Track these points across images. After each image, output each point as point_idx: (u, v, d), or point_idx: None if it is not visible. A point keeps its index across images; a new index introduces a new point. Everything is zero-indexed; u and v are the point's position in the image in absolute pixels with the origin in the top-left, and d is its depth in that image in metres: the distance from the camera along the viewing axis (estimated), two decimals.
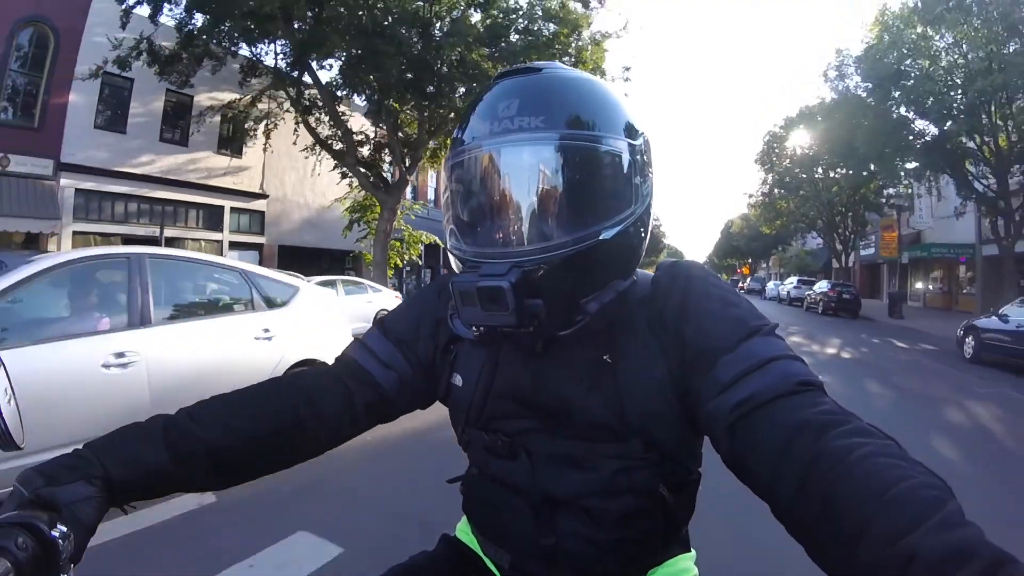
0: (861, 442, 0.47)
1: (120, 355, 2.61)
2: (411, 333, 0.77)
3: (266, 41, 11.70)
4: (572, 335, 0.63)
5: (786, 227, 31.43)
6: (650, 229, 0.70)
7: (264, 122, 13.16)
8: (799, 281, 24.95)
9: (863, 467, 0.44)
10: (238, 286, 3.35)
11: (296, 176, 15.56)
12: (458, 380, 0.74)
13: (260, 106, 13.03)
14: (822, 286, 19.94)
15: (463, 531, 0.84)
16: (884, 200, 20.89)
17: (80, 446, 0.58)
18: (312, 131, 12.45)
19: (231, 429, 0.65)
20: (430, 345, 0.76)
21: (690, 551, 0.77)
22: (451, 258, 0.69)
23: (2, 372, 0.65)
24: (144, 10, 10.67)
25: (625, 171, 0.63)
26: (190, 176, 13.29)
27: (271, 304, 3.39)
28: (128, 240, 12.29)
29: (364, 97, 12.03)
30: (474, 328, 0.64)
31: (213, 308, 3.24)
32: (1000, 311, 8.63)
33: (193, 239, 13.31)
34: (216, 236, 13.88)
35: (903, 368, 8.35)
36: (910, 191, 20.30)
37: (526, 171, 0.61)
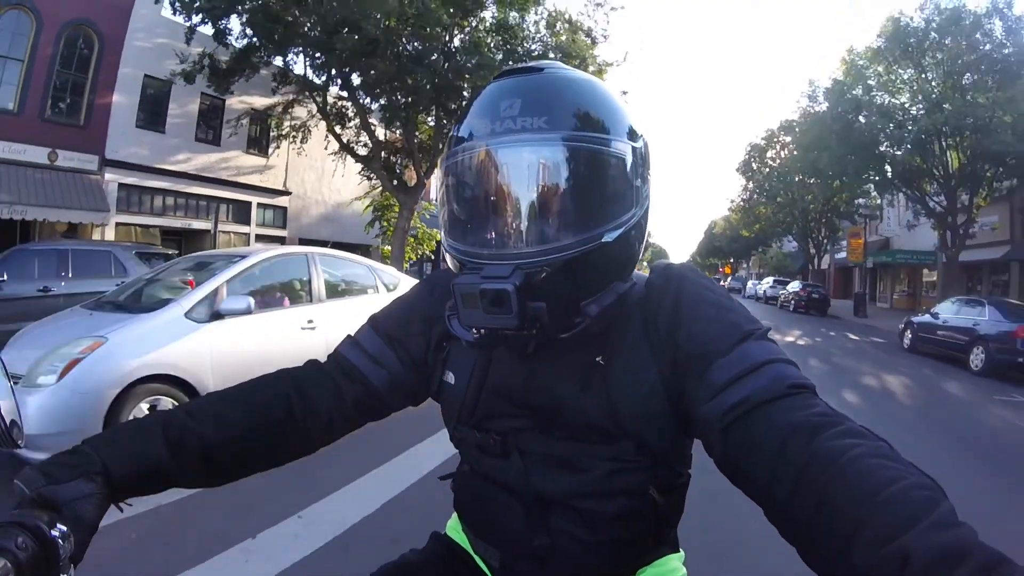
0: (853, 443, 0.47)
1: (310, 321, 3.94)
2: (402, 330, 0.76)
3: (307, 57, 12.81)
4: (569, 337, 0.62)
5: (764, 231, 33.43)
6: (647, 232, 0.68)
7: (301, 130, 14.27)
8: (775, 281, 26.95)
9: (856, 468, 0.44)
10: (366, 275, 4.70)
11: (315, 175, 16.66)
12: (450, 378, 0.73)
13: (294, 113, 14.15)
14: (794, 286, 21.83)
15: (453, 529, 0.84)
16: (855, 209, 22.70)
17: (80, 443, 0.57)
18: (338, 137, 13.61)
19: (224, 423, 0.64)
20: (421, 342, 0.76)
21: (679, 551, 0.77)
22: (448, 257, 0.68)
23: (1, 372, 0.65)
24: (207, 29, 11.64)
25: (627, 173, 0.63)
26: (222, 173, 14.33)
27: (387, 288, 4.73)
28: (165, 231, 13.40)
29: (380, 107, 13.20)
30: (474, 330, 0.63)
31: (354, 290, 4.55)
32: (932, 310, 10.37)
33: (224, 232, 14.34)
34: (244, 229, 14.96)
35: (845, 352, 10.24)
36: (878, 201, 22.22)
37: (529, 172, 0.60)
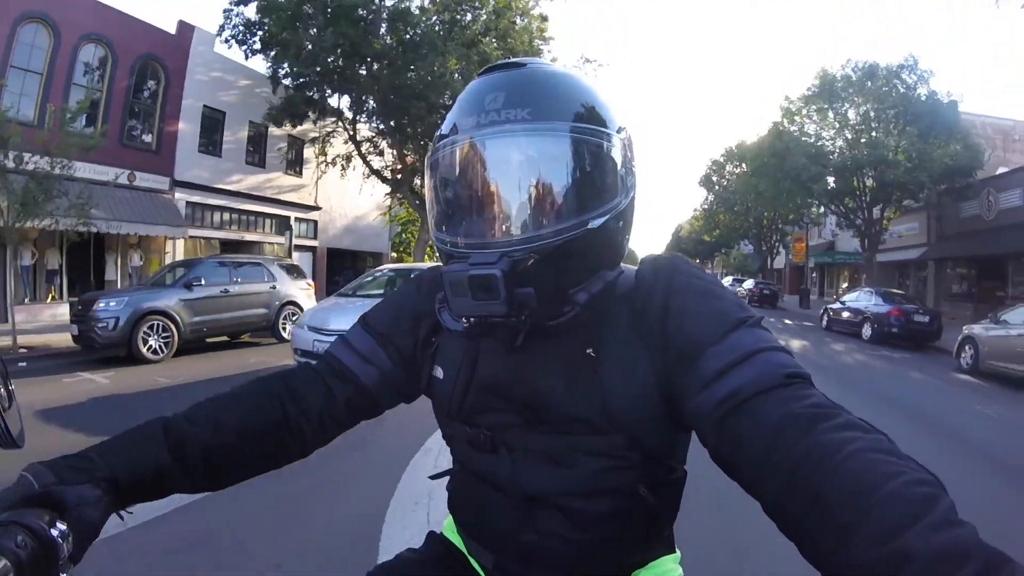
0: (851, 436, 0.46)
1: None
2: (391, 327, 0.77)
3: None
4: (556, 327, 0.62)
5: (724, 236, 37.35)
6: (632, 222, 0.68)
7: (340, 159, 16.76)
8: (733, 279, 30.84)
9: (854, 462, 0.43)
10: None
11: (339, 191, 19.03)
12: (439, 373, 0.74)
13: (333, 143, 16.68)
14: (749, 284, 25.55)
15: (450, 529, 0.83)
16: (800, 218, 26.48)
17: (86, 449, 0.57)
18: (369, 165, 16.12)
19: (221, 427, 0.65)
20: (410, 339, 0.76)
21: (674, 551, 0.76)
22: (437, 251, 0.69)
23: (1, 371, 0.65)
24: (259, 63, 14.10)
25: (611, 162, 0.63)
26: (266, 192, 16.58)
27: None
28: (223, 243, 15.64)
29: (409, 137, 15.66)
30: (463, 320, 0.64)
31: None
32: (841, 298, 13.96)
33: (268, 243, 16.67)
34: (283, 240, 17.27)
35: (777, 332, 13.69)
36: (821, 210, 26.08)
37: (513, 162, 0.61)
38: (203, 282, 8.08)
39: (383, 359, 0.76)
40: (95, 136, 9.83)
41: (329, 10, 12.75)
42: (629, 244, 0.71)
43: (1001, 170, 16.50)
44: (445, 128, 0.67)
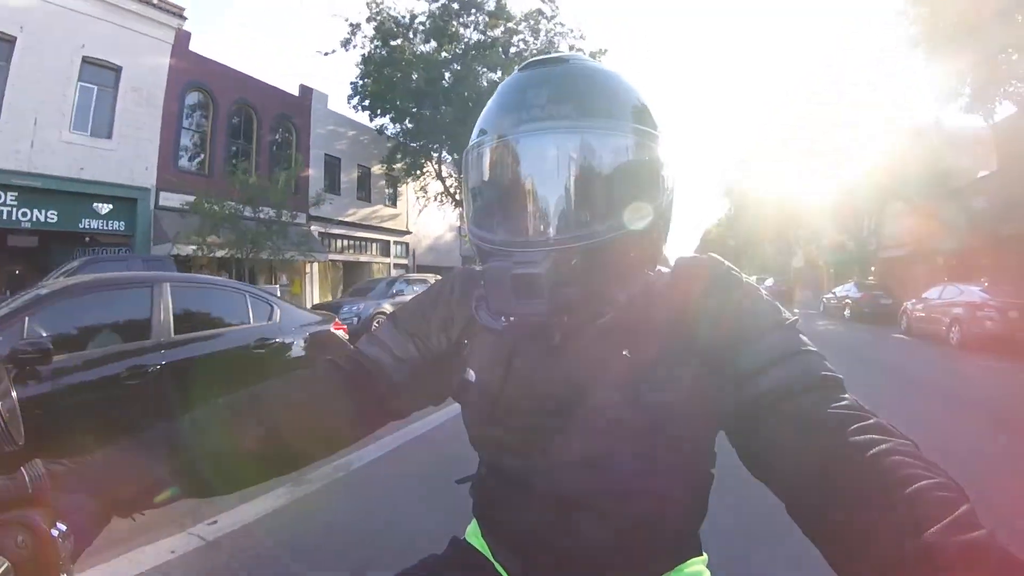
0: (879, 439, 0.47)
1: None
2: (423, 326, 0.76)
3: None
4: (593, 327, 0.63)
5: (746, 240, 41.08)
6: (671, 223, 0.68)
7: (428, 193, 21.14)
8: (757, 279, 34.69)
9: (880, 463, 0.44)
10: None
11: (423, 217, 23.49)
12: (471, 375, 0.72)
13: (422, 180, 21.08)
14: (769, 282, 29.48)
15: (473, 534, 0.81)
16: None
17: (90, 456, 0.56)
18: (452, 196, 20.42)
19: (232, 432, 0.63)
20: (442, 338, 0.75)
21: (702, 554, 0.74)
22: (474, 247, 0.69)
23: (2, 372, 0.65)
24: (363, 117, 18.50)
25: (652, 162, 0.63)
26: (372, 221, 21.01)
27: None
28: (346, 264, 20.12)
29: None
30: (503, 318, 0.64)
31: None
32: (834, 289, 18.28)
33: (376, 263, 21.14)
34: (386, 260, 21.69)
35: None
36: None
37: (558, 160, 0.60)
38: (405, 290, 12.19)
39: (415, 356, 0.75)
40: (285, 188, 13.81)
41: (444, 96, 17.07)
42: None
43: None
44: (484, 124, 0.66)
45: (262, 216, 13.09)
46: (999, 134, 13.92)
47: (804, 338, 0.61)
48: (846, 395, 0.55)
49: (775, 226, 32.87)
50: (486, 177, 0.67)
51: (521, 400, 0.68)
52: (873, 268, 24.21)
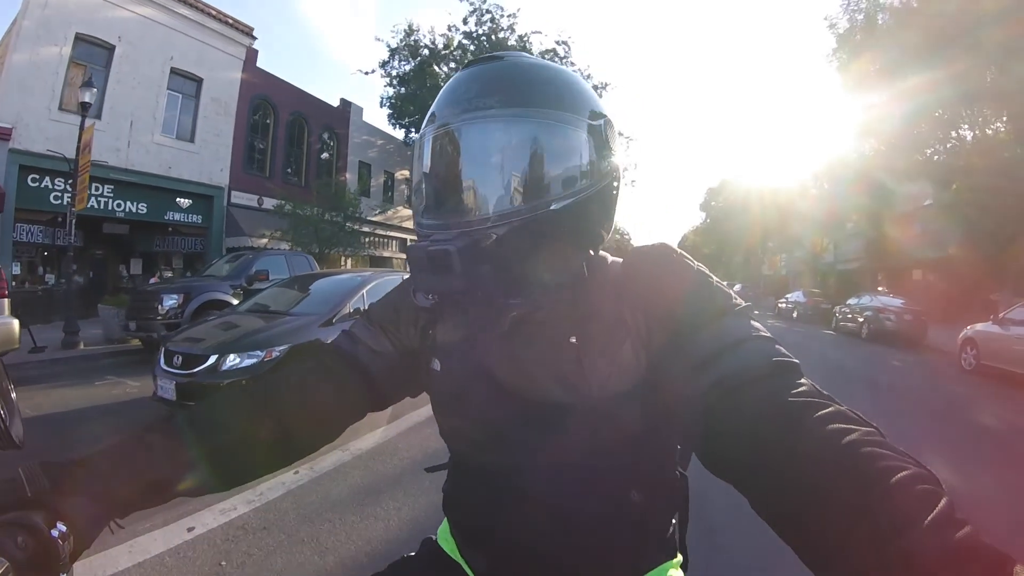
0: (844, 428, 0.45)
1: None
2: (392, 319, 0.79)
3: None
4: (541, 313, 0.65)
5: (721, 248, 44.78)
6: (614, 212, 0.69)
7: None
8: (727, 284, 38.89)
9: (851, 458, 0.42)
10: None
11: None
12: (436, 365, 0.74)
13: None
14: (737, 287, 33.16)
15: (443, 536, 0.83)
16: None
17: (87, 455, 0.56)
18: None
19: (225, 428, 0.64)
20: (411, 330, 0.78)
21: (676, 556, 0.74)
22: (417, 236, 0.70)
23: (2, 372, 0.65)
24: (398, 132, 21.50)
25: (578, 148, 0.64)
26: (393, 220, 23.46)
27: None
28: (373, 259, 22.50)
29: None
30: (430, 296, 0.67)
31: None
32: (786, 295, 21.90)
33: (396, 258, 23.48)
34: (403, 256, 23.60)
35: None
36: None
37: (476, 147, 0.63)
38: None
39: (389, 349, 0.77)
40: (356, 196, 16.15)
41: None
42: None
43: None
44: (427, 119, 0.68)
45: (335, 219, 15.54)
46: (931, 169, 15.94)
47: (756, 323, 0.59)
48: (803, 380, 0.53)
49: (746, 239, 36.52)
50: (420, 166, 0.69)
51: (482, 390, 0.68)
52: (829, 278, 27.82)
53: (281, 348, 4.32)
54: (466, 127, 0.64)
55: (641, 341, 0.63)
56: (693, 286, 0.63)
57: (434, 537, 0.85)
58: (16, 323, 5.89)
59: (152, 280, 12.83)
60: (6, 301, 5.84)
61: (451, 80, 0.70)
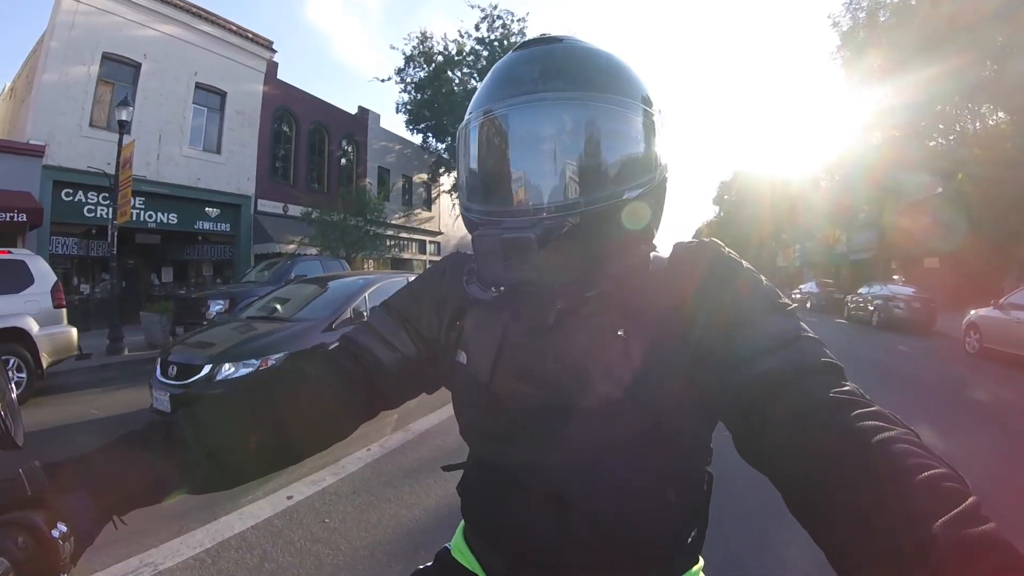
0: (881, 426, 0.46)
1: None
2: (413, 310, 0.76)
3: None
4: (587, 306, 0.63)
5: (735, 240, 44.70)
6: (664, 205, 0.68)
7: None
8: None
9: (882, 452, 0.43)
10: None
11: (451, 219, 26.54)
12: (463, 358, 0.71)
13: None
14: None
15: (457, 548, 0.80)
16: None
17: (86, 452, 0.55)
18: None
19: (230, 426, 0.63)
20: (434, 321, 0.75)
21: (698, 561, 0.73)
22: (465, 222, 0.69)
23: (2, 372, 0.65)
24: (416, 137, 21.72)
25: (646, 137, 0.63)
26: (413, 223, 24.19)
27: None
28: (394, 260, 23.18)
29: None
30: (493, 289, 0.64)
31: None
32: (800, 286, 22.37)
33: (417, 260, 24.21)
34: (423, 257, 24.73)
35: None
36: None
37: (550, 131, 0.61)
38: None
39: (406, 343, 0.74)
40: (380, 203, 16.85)
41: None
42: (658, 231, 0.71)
43: None
44: (478, 101, 0.66)
45: (359, 224, 16.21)
46: (937, 160, 16.35)
47: (803, 324, 0.59)
48: (847, 382, 0.53)
49: (760, 231, 36.67)
50: (479, 152, 0.66)
51: (512, 384, 0.66)
52: (843, 268, 27.94)
53: (277, 356, 4.29)
54: (533, 109, 0.62)
55: (689, 336, 0.61)
56: (743, 284, 0.63)
57: (448, 547, 0.82)
58: (74, 331, 6.21)
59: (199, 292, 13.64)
60: (63, 311, 6.14)
61: (503, 61, 0.69)
